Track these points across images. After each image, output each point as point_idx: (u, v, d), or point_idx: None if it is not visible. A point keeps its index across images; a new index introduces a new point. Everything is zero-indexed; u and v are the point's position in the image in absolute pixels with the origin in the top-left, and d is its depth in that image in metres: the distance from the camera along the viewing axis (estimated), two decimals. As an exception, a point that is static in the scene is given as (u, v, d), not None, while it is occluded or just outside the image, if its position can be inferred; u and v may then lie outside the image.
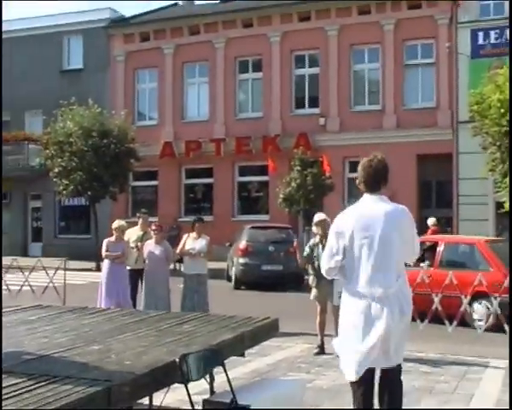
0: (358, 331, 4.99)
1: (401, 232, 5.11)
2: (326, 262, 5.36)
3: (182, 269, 12.37)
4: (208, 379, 5.59)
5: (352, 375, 5.10)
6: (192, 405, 4.41)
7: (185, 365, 4.39)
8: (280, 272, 20.22)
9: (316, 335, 10.51)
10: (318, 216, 10.53)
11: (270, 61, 30.48)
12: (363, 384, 5.09)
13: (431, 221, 21.20)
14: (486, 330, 11.74)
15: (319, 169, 25.16)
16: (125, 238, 13.28)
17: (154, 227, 12.30)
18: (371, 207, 5.25)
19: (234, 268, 20.77)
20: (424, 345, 10.81)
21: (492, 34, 26.86)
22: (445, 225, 28.60)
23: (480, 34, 27.02)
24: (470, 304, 12.33)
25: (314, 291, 10.36)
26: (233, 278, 20.86)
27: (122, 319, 6.51)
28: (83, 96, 28.76)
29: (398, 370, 5.23)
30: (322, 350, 10.24)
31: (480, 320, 12.50)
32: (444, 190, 28.49)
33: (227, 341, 5.39)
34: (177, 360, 4.43)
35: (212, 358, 4.71)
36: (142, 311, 7.90)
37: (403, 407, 5.29)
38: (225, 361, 5.15)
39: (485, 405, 7.38)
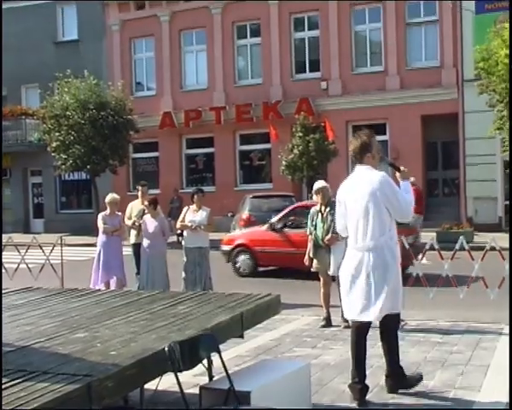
0: (347, 282, 6.09)
1: (376, 199, 6.01)
2: (337, 224, 6.52)
3: (183, 243, 12.00)
4: (206, 364, 5.22)
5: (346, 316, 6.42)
6: (184, 398, 4.02)
7: (175, 353, 4.00)
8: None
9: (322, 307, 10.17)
10: (317, 184, 10.23)
11: (268, 26, 29.88)
12: (354, 332, 6.25)
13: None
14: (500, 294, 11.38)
15: (322, 134, 24.75)
16: (127, 212, 13.00)
17: (146, 202, 11.94)
18: (358, 178, 6.27)
19: (238, 239, 20.37)
20: (434, 312, 10.48)
21: (497, -12, 26.15)
22: (453, 186, 28.26)
23: (484, -12, 26.32)
24: None
25: (314, 262, 10.03)
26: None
27: (112, 301, 6.13)
28: (79, 67, 28.31)
29: (391, 319, 6.23)
30: (328, 323, 9.92)
31: None
32: (450, 150, 28.04)
33: (223, 322, 5.01)
34: (166, 348, 4.03)
35: (206, 344, 4.33)
36: (134, 291, 7.50)
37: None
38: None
39: (502, 376, 7.02)
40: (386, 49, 28.28)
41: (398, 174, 6.39)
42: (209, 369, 5.27)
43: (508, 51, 19.67)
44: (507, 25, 20.73)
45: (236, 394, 4.36)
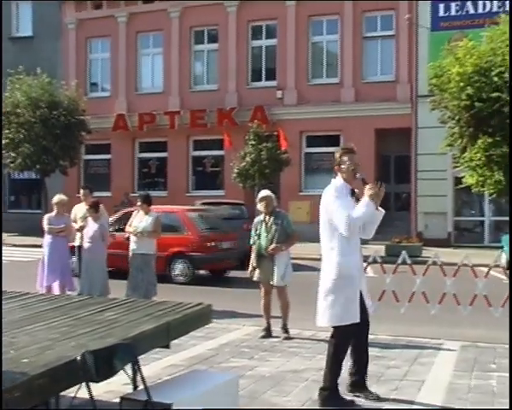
0: None
1: (323, 210, 6.46)
2: None
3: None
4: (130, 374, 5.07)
5: None
6: (94, 408, 3.88)
7: (88, 363, 3.86)
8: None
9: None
10: (261, 193, 10.17)
11: (226, 32, 29.84)
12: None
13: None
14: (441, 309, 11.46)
15: (275, 143, 24.73)
16: (72, 215, 12.77)
17: (87, 206, 11.72)
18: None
19: (186, 245, 20.19)
20: (375, 326, 10.44)
21: (453, 6, 26.53)
22: (404, 201, 28.51)
23: (441, 6, 26.67)
24: (171, 263, 16.26)
25: (257, 272, 9.94)
26: (185, 255, 20.28)
27: (39, 305, 5.93)
28: (33, 65, 27.89)
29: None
30: (268, 333, 9.82)
31: (179, 276, 16.32)
32: (402, 165, 28.31)
33: (148, 331, 4.87)
34: (79, 358, 3.88)
35: (122, 353, 4.18)
36: (64, 296, 7.31)
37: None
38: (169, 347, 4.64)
39: (437, 391, 7.03)
40: (342, 62, 28.47)
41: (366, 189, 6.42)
42: (133, 379, 5.12)
43: (460, 69, 19.92)
44: (461, 43, 21.03)
45: (155, 406, 4.23)
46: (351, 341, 6.47)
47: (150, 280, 11.54)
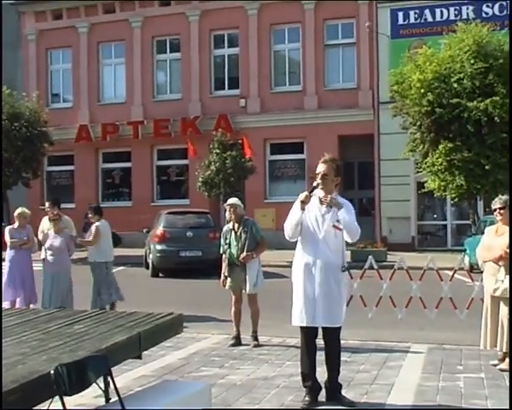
0: None
1: None
2: None
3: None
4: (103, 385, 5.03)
5: None
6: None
7: (61, 376, 3.82)
8: (199, 259, 19.88)
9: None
10: (229, 201, 10.18)
11: (188, 41, 29.88)
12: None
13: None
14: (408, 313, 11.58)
15: (239, 152, 24.76)
16: (40, 227, 12.62)
17: (50, 216, 11.61)
18: None
19: (151, 255, 20.21)
20: (343, 332, 10.54)
21: (412, 14, 26.90)
22: (368, 206, 28.74)
23: (400, 14, 27.03)
24: None
25: (228, 280, 9.94)
26: (150, 265, 20.27)
27: (7, 320, 5.84)
28: (-8, 76, 27.44)
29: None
30: (238, 341, 9.81)
31: None
32: (366, 171, 28.57)
33: (120, 343, 4.83)
34: (52, 371, 3.84)
35: (95, 366, 4.15)
36: (33, 310, 7.22)
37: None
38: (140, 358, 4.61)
39: (406, 394, 7.10)
40: (304, 69, 28.66)
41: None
42: (105, 391, 5.08)
43: (420, 76, 20.21)
44: (420, 50, 21.34)
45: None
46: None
47: (96, 289, 11.71)
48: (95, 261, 11.84)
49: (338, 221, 6.48)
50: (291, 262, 6.88)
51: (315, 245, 6.56)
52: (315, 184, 6.61)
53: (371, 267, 11.54)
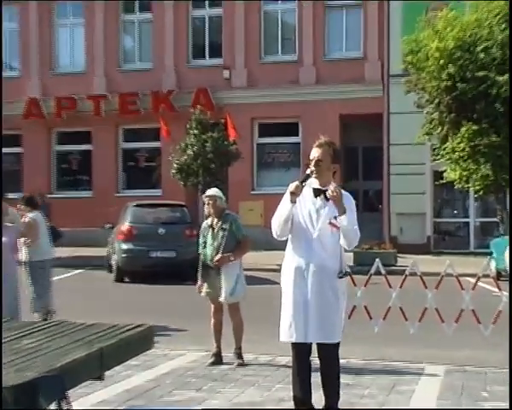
0: None
1: None
2: None
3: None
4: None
5: None
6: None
7: (7, 402, 3.81)
8: (172, 260, 19.93)
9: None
10: (208, 192, 10.22)
11: (161, -1, 29.81)
12: None
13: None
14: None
15: (222, 133, 24.72)
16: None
17: None
18: None
19: (115, 256, 20.19)
20: (345, 348, 10.56)
21: (430, -30, 26.88)
22: (375, 200, 28.83)
23: (415, -30, 27.01)
24: None
25: (205, 286, 9.96)
26: (114, 267, 20.27)
27: None
28: None
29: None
30: (219, 359, 9.83)
31: None
32: (373, 158, 28.62)
33: (77, 361, 4.81)
34: (-4, 394, 3.84)
35: (49, 388, 4.14)
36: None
37: None
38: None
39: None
40: (300, 35, 28.69)
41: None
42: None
43: (439, 44, 20.22)
44: (440, 14, 21.34)
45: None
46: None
47: (33, 292, 11.95)
48: (31, 261, 11.85)
49: (336, 218, 6.50)
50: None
51: (308, 245, 6.58)
52: (308, 172, 6.62)
53: (378, 273, 11.58)
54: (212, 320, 10.01)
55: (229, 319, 9.96)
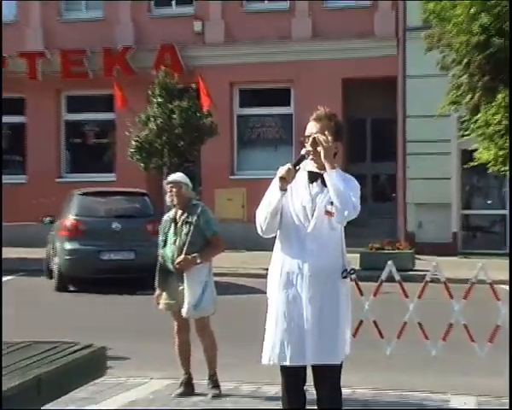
0: None
1: None
2: None
3: None
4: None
5: None
6: None
7: None
8: (130, 264, 19.95)
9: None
10: (170, 177, 10.24)
11: None
12: None
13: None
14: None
15: (193, 102, 24.70)
16: None
17: None
18: None
19: (57, 258, 20.14)
20: (350, 375, 10.59)
21: None
22: (387, 187, 28.88)
23: None
24: None
25: (163, 296, 9.94)
26: (56, 273, 20.21)
27: None
28: None
29: None
30: (188, 389, 9.85)
31: None
32: (384, 133, 28.67)
33: (8, 393, 4.83)
34: None
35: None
36: None
37: None
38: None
39: None
40: (292, -26, 28.73)
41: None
42: None
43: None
44: None
45: None
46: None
47: None
48: None
49: (332, 204, 6.50)
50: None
51: (300, 243, 6.58)
52: (303, 152, 6.61)
53: (391, 279, 11.60)
54: (177, 341, 9.99)
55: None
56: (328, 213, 6.50)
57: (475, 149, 22.03)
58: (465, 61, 20.97)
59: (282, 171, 6.44)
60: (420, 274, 15.63)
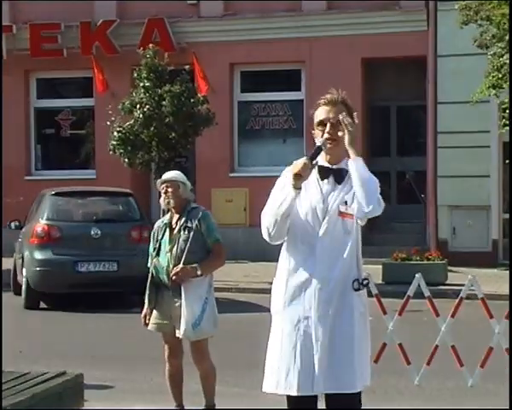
0: None
1: None
2: None
3: None
4: None
5: None
6: None
7: None
8: (112, 276, 19.84)
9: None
10: (165, 175, 10.26)
11: None
12: None
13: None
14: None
15: (186, 86, 24.73)
16: None
17: None
18: None
19: (26, 270, 20.15)
20: (371, 406, 10.66)
21: None
22: (415, 186, 28.87)
23: None
24: None
25: (154, 314, 9.93)
26: (24, 287, 20.21)
27: None
28: None
29: None
30: (180, 424, 9.90)
31: None
32: (412, 122, 28.67)
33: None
34: None
35: None
36: None
37: None
38: None
39: None
40: None
41: None
42: None
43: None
44: None
45: None
46: None
47: None
48: None
49: (346, 203, 6.51)
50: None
51: (309, 250, 6.59)
52: (319, 142, 6.61)
53: (419, 294, 11.59)
54: (167, 367, 10.00)
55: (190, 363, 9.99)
56: (341, 213, 6.51)
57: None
58: (507, 37, 20.99)
59: (297, 166, 6.42)
60: (454, 289, 15.59)
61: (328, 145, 6.53)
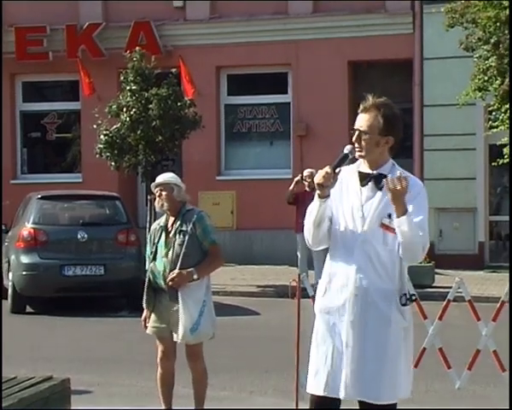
0: None
1: None
2: None
3: None
4: None
5: None
6: None
7: None
8: (99, 280, 19.81)
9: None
10: (159, 178, 10.23)
11: None
12: None
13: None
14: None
15: (173, 89, 24.71)
16: None
17: None
18: None
19: (12, 274, 20.13)
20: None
21: None
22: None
23: None
24: None
25: (152, 318, 9.91)
26: (10, 291, 20.17)
27: None
28: None
29: None
30: (169, 429, 9.86)
31: None
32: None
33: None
34: None
35: None
36: None
37: None
38: None
39: None
40: None
41: None
42: None
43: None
44: None
45: None
46: None
47: None
48: None
49: (390, 216, 6.52)
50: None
51: (348, 255, 6.63)
52: (346, 151, 6.61)
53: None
54: (159, 370, 9.98)
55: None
56: (384, 226, 6.54)
57: (505, 144, 22.05)
58: (493, 40, 21.00)
59: (319, 176, 6.45)
60: (441, 291, 15.57)
61: (357, 153, 6.62)
